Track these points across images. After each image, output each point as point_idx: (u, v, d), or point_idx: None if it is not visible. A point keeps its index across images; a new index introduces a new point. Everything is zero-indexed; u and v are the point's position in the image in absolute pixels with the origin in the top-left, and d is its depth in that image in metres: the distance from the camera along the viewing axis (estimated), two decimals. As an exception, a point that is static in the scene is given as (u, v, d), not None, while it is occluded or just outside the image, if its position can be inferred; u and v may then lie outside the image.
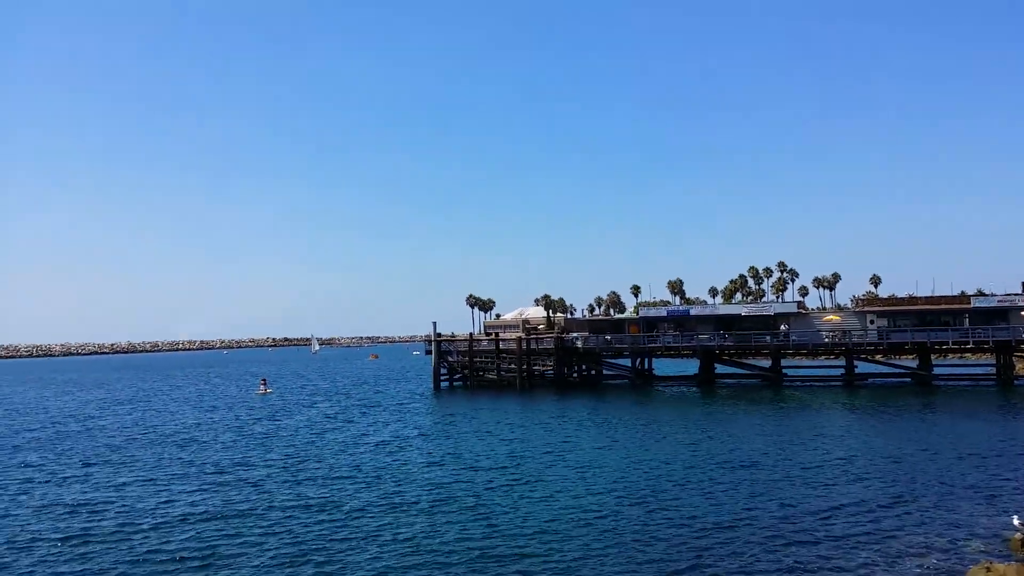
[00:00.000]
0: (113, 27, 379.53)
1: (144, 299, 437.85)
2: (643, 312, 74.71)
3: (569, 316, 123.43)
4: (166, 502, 24.39)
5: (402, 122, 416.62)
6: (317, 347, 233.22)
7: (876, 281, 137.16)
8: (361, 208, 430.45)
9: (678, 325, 67.55)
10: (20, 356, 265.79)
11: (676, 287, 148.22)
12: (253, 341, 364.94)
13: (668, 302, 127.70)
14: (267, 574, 17.07)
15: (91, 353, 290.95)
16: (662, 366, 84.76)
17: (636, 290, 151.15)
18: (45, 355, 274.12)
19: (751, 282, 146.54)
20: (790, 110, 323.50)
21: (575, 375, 71.79)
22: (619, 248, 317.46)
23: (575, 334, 71.82)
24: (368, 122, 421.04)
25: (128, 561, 18.21)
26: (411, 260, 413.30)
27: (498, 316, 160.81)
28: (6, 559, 18.53)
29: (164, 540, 19.91)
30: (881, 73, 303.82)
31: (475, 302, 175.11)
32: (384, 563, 17.68)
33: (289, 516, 22.17)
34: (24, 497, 25.89)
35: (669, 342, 65.76)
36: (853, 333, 60.45)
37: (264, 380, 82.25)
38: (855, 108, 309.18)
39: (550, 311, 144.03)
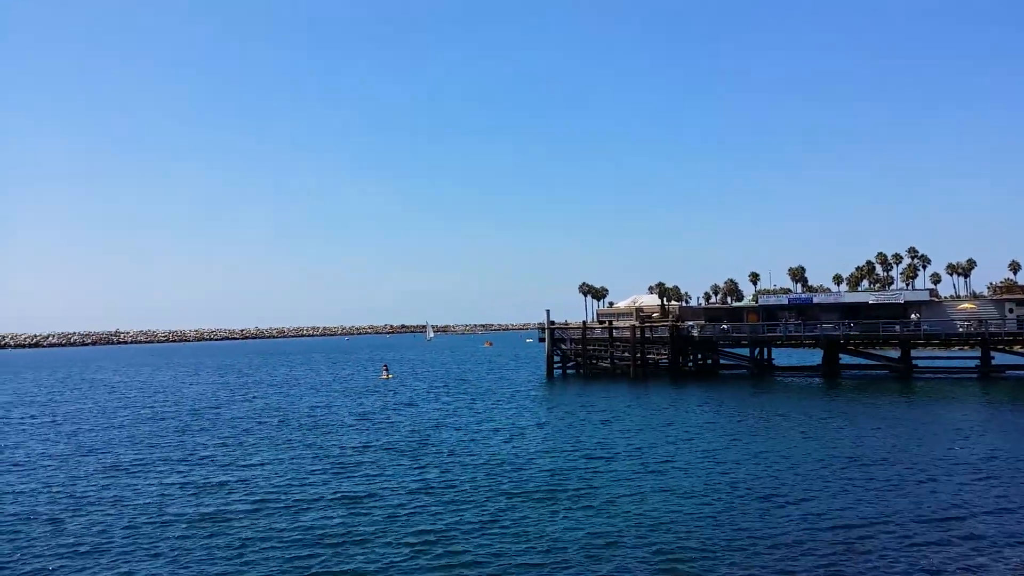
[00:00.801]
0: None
1: (270, 287, 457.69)
2: (763, 300, 72.62)
3: (684, 304, 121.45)
4: (298, 484, 25.32)
5: (513, 109, 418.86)
6: (431, 334, 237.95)
7: (1015, 267, 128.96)
8: (474, 197, 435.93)
9: (800, 313, 65.25)
10: (158, 341, 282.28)
11: (797, 274, 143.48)
12: (372, 328, 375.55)
13: (789, 290, 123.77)
14: (395, 556, 17.48)
15: (223, 338, 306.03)
16: (782, 356, 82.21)
17: (755, 277, 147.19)
18: (180, 340, 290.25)
19: (879, 269, 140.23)
20: (919, 96, 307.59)
21: (690, 364, 70.48)
22: (736, 235, 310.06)
23: (690, 322, 70.49)
24: (477, 112, 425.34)
25: (266, 539, 19.02)
26: (525, 248, 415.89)
27: (611, 304, 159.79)
28: (150, 535, 19.62)
29: (298, 521, 20.68)
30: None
31: (588, 290, 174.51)
32: (503, 548, 17.83)
33: (412, 500, 22.68)
34: (163, 475, 27.32)
35: (790, 331, 63.56)
36: (990, 322, 56.85)
37: (386, 366, 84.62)
38: (991, 94, 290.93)
39: (664, 299, 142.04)
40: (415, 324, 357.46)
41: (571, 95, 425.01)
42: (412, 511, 21.40)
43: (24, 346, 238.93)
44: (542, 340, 73.75)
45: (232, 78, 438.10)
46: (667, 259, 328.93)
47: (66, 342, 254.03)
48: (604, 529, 19.25)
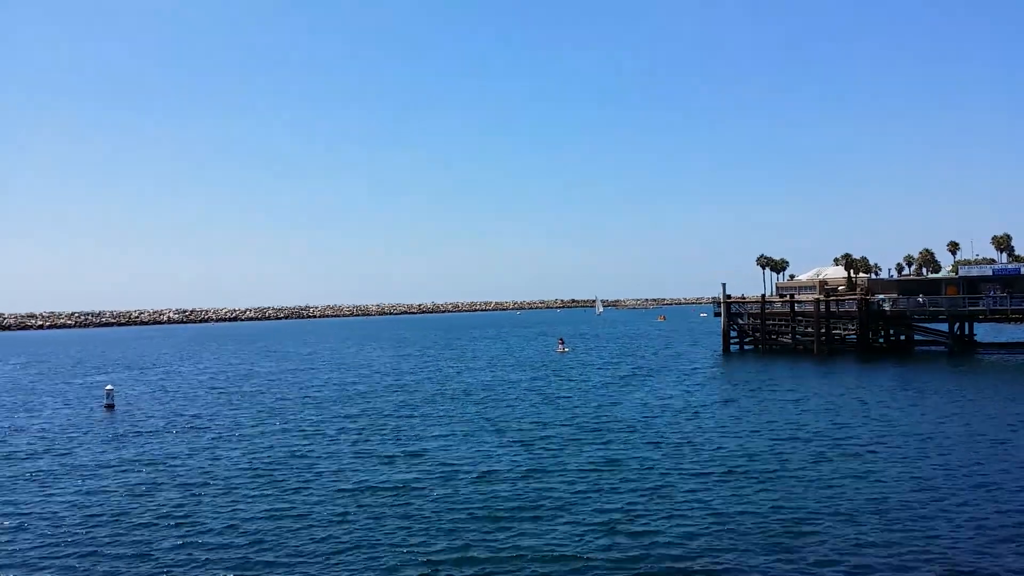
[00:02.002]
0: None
1: (443, 263, 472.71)
2: (963, 271, 67.14)
3: (873, 276, 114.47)
4: (482, 458, 25.73)
5: (688, 76, 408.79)
6: (601, 308, 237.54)
7: None
8: (645, 167, 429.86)
9: (1006, 285, 59.79)
10: (343, 315, 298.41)
11: (1003, 243, 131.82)
12: (542, 303, 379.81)
13: (993, 260, 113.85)
14: (585, 533, 17.36)
15: (401, 313, 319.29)
16: (986, 332, 75.85)
17: (954, 247, 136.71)
18: (363, 314, 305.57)
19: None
20: None
21: (880, 340, 66.39)
22: (932, 200, 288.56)
23: (881, 296, 66.25)
24: (654, 81, 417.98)
25: (454, 511, 19.39)
26: (698, 219, 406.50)
27: (792, 277, 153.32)
28: (345, 508, 20.40)
29: (484, 494, 20.96)
30: None
31: (766, 262, 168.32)
32: (692, 530, 17.31)
33: (596, 477, 22.49)
34: (344, 446, 28.57)
35: (995, 305, 58.38)
36: None
37: (561, 340, 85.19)
38: None
39: (851, 271, 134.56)
40: (584, 299, 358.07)
41: (758, 62, 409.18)
42: (596, 488, 21.20)
43: (225, 320, 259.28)
44: (718, 315, 71.80)
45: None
46: (853, 229, 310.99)
47: (262, 316, 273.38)
48: (797, 515, 18.31)
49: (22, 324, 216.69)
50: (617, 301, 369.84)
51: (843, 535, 16.80)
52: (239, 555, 16.50)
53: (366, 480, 22.88)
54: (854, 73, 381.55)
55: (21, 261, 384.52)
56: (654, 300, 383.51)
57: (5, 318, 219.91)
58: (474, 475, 23.13)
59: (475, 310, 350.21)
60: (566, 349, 77.95)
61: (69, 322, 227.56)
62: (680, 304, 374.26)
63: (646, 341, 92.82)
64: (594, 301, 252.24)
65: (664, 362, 61.87)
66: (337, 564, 15.81)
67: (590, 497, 20.35)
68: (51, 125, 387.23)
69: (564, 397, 40.83)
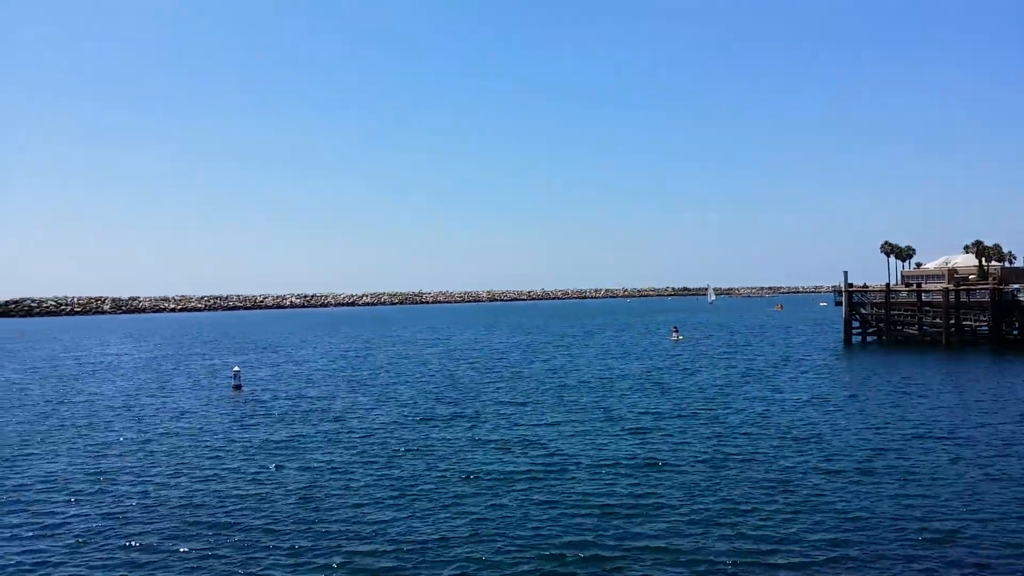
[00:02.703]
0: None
1: (551, 250, 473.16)
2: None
3: (1007, 265, 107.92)
4: (594, 448, 25.59)
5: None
6: (713, 297, 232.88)
7: None
8: (759, 149, 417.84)
9: None
10: (454, 301, 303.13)
11: None
12: (653, 290, 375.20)
13: None
14: (707, 527, 17.07)
15: (512, 299, 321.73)
16: None
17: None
18: (474, 300, 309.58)
19: None
20: None
21: (1015, 333, 62.43)
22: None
23: (1015, 285, 62.33)
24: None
25: (568, 500, 19.37)
26: (817, 204, 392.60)
27: (918, 265, 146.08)
28: (461, 489, 20.75)
29: (599, 484, 20.85)
30: None
31: (891, 250, 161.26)
32: (818, 528, 16.72)
33: (715, 471, 22.02)
34: (459, 432, 28.94)
35: None
36: None
37: (675, 328, 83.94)
38: None
39: (983, 259, 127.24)
40: (697, 287, 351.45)
41: (892, 35, 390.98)
42: (713, 482, 20.72)
43: (342, 304, 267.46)
44: (838, 304, 69.23)
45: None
46: (985, 215, 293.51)
47: (377, 301, 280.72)
48: (934, 516, 17.37)
49: (156, 307, 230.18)
50: (730, 289, 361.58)
51: (988, 539, 15.90)
52: (363, 536, 16.99)
53: (480, 466, 23.13)
54: (993, 48, 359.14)
55: (159, 248, 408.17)
56: (769, 288, 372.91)
57: (141, 301, 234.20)
58: (591, 465, 23.01)
59: (585, 297, 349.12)
60: (680, 337, 76.70)
61: (199, 305, 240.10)
62: (797, 293, 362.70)
63: (763, 331, 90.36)
64: (706, 289, 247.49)
65: (783, 352, 60.04)
66: (453, 555, 16.03)
67: (710, 490, 19.95)
68: (196, 115, 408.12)
69: (679, 387, 40.17)
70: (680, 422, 29.90)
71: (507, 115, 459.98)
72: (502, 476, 21.90)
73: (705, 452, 24.49)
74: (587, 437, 27.31)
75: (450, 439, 27.41)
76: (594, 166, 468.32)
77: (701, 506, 18.61)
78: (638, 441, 26.42)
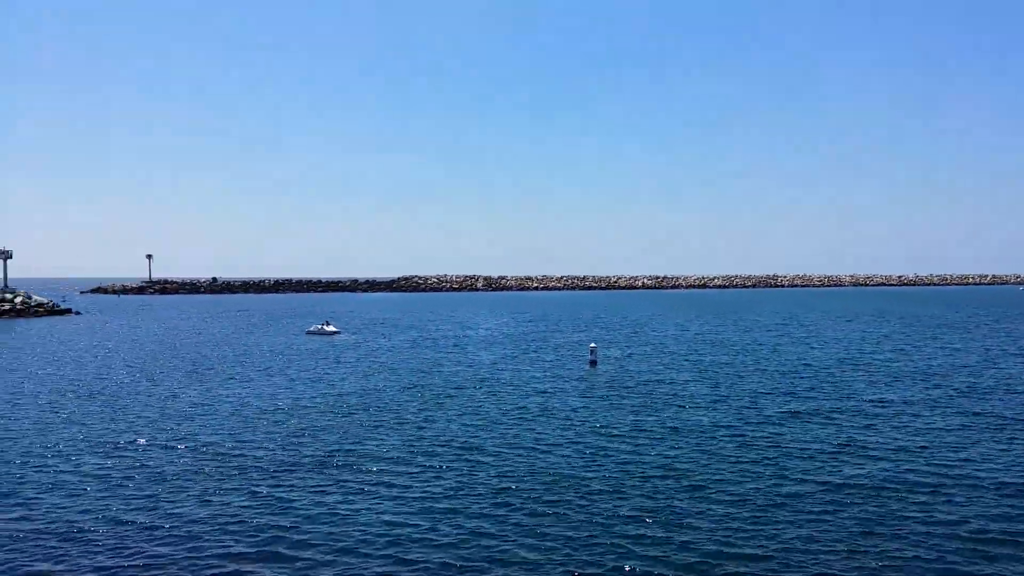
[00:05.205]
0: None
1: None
2: None
3: None
4: (977, 459, 23.01)
5: None
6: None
7: None
8: None
9: None
10: (813, 285, 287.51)
11: None
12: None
13: None
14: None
15: (878, 284, 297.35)
16: None
17: None
18: (835, 284, 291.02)
19: None
20: None
21: None
22: None
23: None
24: None
25: (931, 524, 17.79)
26: None
27: None
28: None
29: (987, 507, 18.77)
30: None
31: None
32: None
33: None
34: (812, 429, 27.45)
35: None
36: None
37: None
38: None
39: None
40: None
41: None
42: None
43: (693, 287, 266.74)
44: None
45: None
46: None
47: (729, 284, 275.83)
48: None
49: (521, 286, 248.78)
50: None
51: None
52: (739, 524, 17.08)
53: (817, 477, 21.92)
54: None
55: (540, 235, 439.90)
56: None
57: (508, 280, 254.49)
58: (966, 483, 20.79)
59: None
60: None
61: (558, 285, 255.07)
62: None
63: None
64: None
65: None
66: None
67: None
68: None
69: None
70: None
71: None
72: (833, 486, 20.61)
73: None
74: (956, 445, 24.55)
75: (809, 444, 26.07)
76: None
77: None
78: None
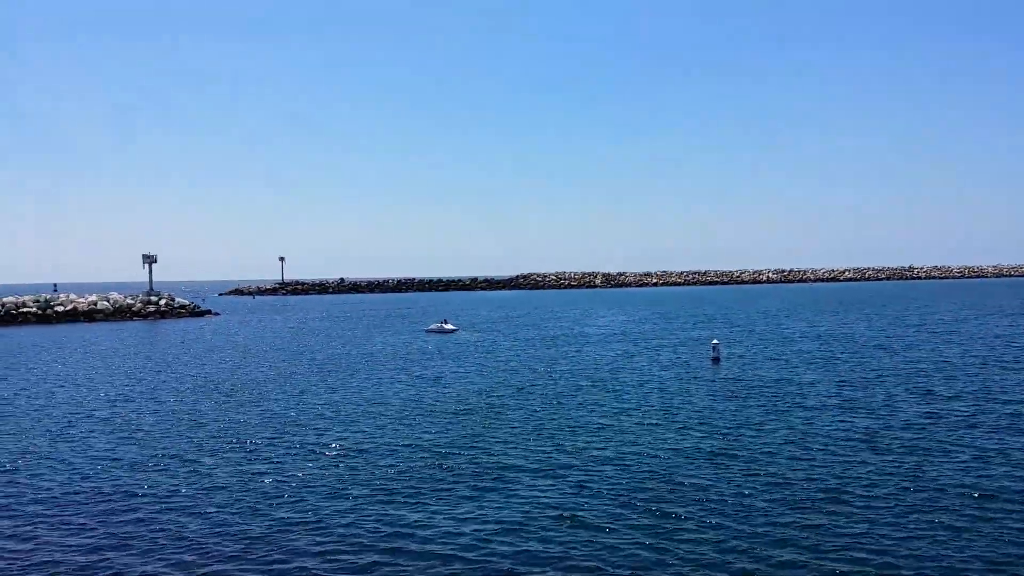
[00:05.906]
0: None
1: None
2: None
3: None
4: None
5: None
6: None
7: None
8: None
9: None
10: (952, 277, 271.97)
11: None
12: None
13: None
14: None
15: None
16: None
17: None
18: (977, 276, 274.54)
19: None
20: None
21: None
22: None
23: None
24: None
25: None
26: None
27: None
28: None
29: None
30: None
31: None
32: None
33: None
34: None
35: None
36: None
37: None
38: None
39: None
40: None
41: None
42: None
43: (822, 280, 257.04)
44: None
45: None
46: None
47: (860, 276, 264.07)
48: None
49: (640, 282, 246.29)
50: None
51: None
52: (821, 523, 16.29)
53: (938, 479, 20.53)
54: None
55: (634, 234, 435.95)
56: None
57: (627, 276, 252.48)
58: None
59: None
60: None
61: (678, 280, 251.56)
62: None
63: None
64: None
65: None
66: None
67: None
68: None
69: None
70: None
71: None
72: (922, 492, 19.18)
73: None
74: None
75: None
76: None
77: None
78: None
